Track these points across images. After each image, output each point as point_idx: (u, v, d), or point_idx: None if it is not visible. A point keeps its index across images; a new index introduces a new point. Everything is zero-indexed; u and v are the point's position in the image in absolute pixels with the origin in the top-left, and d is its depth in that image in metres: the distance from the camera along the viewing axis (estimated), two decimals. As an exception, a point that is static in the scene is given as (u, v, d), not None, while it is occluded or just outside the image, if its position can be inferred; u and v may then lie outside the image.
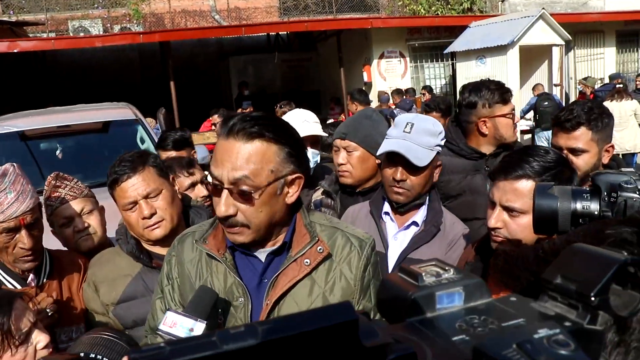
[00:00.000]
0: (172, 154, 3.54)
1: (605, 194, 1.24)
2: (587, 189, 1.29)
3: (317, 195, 2.83)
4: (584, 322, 0.49)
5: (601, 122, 2.41)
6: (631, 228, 0.60)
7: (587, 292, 0.49)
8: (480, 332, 0.47)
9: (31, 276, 2.14)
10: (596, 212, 1.25)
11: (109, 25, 17.85)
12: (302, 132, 2.83)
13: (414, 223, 2.29)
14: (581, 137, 2.41)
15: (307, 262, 1.54)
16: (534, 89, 12.11)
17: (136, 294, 2.07)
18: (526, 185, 1.73)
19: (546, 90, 12.50)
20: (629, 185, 1.23)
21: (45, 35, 16.66)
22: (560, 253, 0.58)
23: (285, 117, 3.37)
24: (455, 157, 2.94)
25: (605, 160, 2.44)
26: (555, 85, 12.94)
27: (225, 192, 1.45)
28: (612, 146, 2.45)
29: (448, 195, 2.86)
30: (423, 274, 0.54)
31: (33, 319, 1.67)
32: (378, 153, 2.32)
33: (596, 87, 13.03)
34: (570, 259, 0.55)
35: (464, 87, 3.13)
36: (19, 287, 2.12)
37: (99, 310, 2.13)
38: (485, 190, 2.90)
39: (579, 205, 1.25)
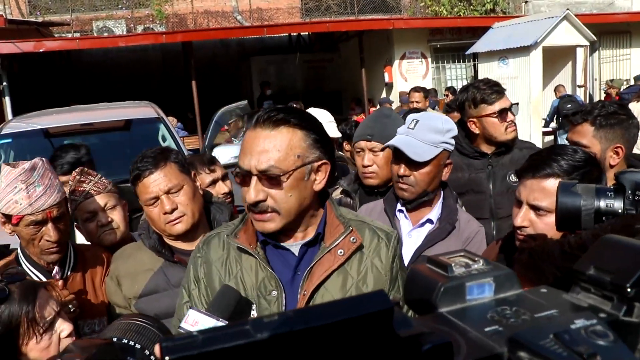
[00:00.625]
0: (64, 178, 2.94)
1: (630, 192, 1.24)
2: (612, 187, 1.29)
3: (336, 194, 2.83)
4: (619, 313, 0.47)
5: (607, 120, 2.37)
6: None
7: (622, 283, 0.47)
8: (513, 322, 0.46)
9: (56, 269, 2.18)
10: (620, 210, 1.24)
11: (132, 25, 18.03)
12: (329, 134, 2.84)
13: (429, 221, 2.28)
14: (583, 132, 2.40)
15: (341, 252, 1.56)
16: (555, 90, 11.97)
17: (158, 288, 2.09)
18: (554, 184, 1.69)
19: (569, 91, 12.34)
20: None
21: (70, 35, 16.88)
22: (592, 245, 0.56)
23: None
24: (461, 156, 3.02)
25: (614, 162, 2.36)
26: (579, 86, 12.76)
27: (254, 179, 1.48)
28: (621, 147, 2.36)
29: (460, 192, 2.89)
30: (452, 264, 0.53)
31: (57, 307, 1.70)
32: (381, 148, 2.33)
33: (622, 89, 12.83)
34: (603, 250, 0.53)
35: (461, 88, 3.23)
36: (43, 279, 2.15)
37: (121, 303, 2.15)
38: (488, 189, 2.96)
39: (602, 204, 1.25)
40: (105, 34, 16.84)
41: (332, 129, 3.32)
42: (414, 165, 2.20)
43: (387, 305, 0.38)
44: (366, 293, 0.39)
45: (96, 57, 18.34)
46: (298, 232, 1.59)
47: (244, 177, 1.50)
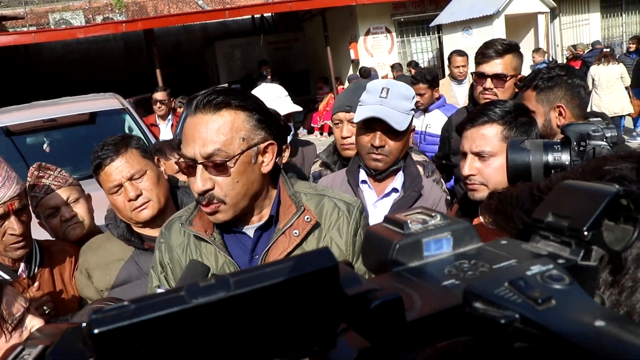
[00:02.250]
0: None
1: (575, 143, 1.31)
2: (558, 140, 1.35)
3: (316, 167, 2.81)
4: (577, 258, 0.46)
5: (546, 83, 2.45)
6: (631, 164, 0.58)
7: (579, 227, 0.46)
8: (471, 275, 0.45)
9: (22, 266, 2.12)
10: (567, 162, 1.31)
11: (91, 16, 17.63)
12: (280, 110, 2.78)
13: (394, 190, 2.24)
14: (528, 97, 2.52)
15: (296, 232, 1.53)
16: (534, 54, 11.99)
17: (130, 277, 2.06)
18: (492, 129, 1.87)
19: (530, 58, 12.45)
20: (596, 134, 1.29)
21: (25, 29, 16.43)
22: (551, 192, 0.55)
23: (255, 93, 3.27)
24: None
25: (560, 122, 2.41)
26: (534, 51, 12.85)
27: (199, 168, 1.43)
28: (562, 107, 2.41)
29: (455, 151, 3.02)
30: (408, 221, 0.51)
31: (25, 304, 1.66)
32: (355, 120, 2.25)
33: (585, 52, 13.00)
34: (561, 196, 0.52)
35: None
36: (9, 279, 2.09)
37: (93, 296, 2.11)
38: None
39: (550, 157, 1.31)
40: (63, 27, 16.43)
41: (286, 104, 3.21)
42: (391, 134, 2.17)
43: (331, 263, 0.36)
44: (309, 251, 0.37)
45: (56, 51, 17.91)
46: (253, 215, 1.56)
47: (189, 167, 1.45)
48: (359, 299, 0.37)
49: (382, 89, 2.19)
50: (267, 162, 1.51)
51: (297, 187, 1.63)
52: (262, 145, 1.48)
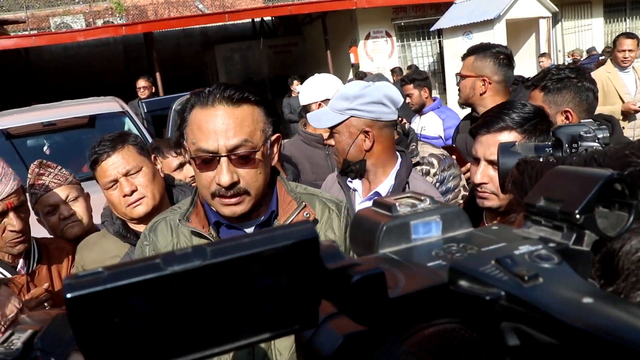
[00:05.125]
0: None
1: (567, 145, 1.29)
2: (550, 143, 1.34)
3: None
4: (569, 242, 0.45)
5: (555, 85, 2.40)
6: None
7: (571, 210, 0.45)
8: (458, 257, 0.44)
9: (21, 262, 2.13)
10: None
11: (91, 20, 17.66)
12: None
13: (376, 194, 2.20)
14: (534, 98, 2.46)
15: None
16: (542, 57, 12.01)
17: None
18: (509, 137, 1.75)
19: (534, 63, 12.46)
20: (588, 135, 1.29)
21: (27, 33, 16.45)
22: (542, 177, 0.54)
23: (315, 81, 3.41)
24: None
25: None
26: (541, 55, 12.90)
27: (225, 160, 1.41)
28: (570, 111, 2.38)
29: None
30: (397, 204, 0.50)
31: (19, 305, 1.65)
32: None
33: (582, 59, 13.02)
34: (553, 180, 0.51)
35: None
36: (8, 275, 2.11)
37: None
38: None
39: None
40: (64, 30, 16.46)
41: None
42: (332, 134, 2.20)
43: (311, 235, 0.35)
44: (289, 224, 0.36)
45: (56, 54, 17.93)
46: (254, 211, 1.55)
47: (206, 161, 1.43)
48: (340, 274, 0.36)
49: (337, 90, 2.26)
50: (275, 154, 1.54)
51: (290, 185, 1.64)
52: (273, 138, 1.52)
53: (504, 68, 3.03)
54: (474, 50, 3.15)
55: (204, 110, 1.43)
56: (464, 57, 3.21)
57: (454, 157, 3.00)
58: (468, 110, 3.34)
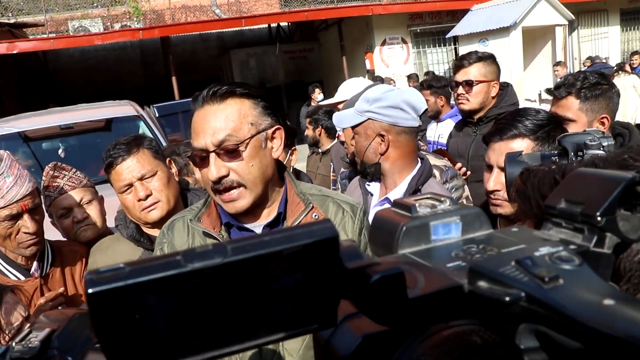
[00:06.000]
0: None
1: (572, 154, 1.29)
2: (555, 152, 1.33)
3: (343, 169, 2.94)
4: (590, 244, 0.44)
5: (592, 92, 2.36)
6: None
7: (592, 212, 0.45)
8: (478, 258, 0.43)
9: (35, 265, 2.12)
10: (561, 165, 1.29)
11: (109, 24, 17.80)
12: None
13: (387, 200, 2.19)
14: (568, 105, 2.40)
15: None
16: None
17: None
18: (522, 144, 1.74)
19: (549, 71, 12.37)
20: (593, 143, 1.28)
21: (45, 36, 16.65)
22: (564, 179, 0.54)
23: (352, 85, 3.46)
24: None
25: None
26: (556, 64, 12.81)
27: (212, 156, 1.45)
28: (607, 117, 2.35)
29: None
30: (417, 205, 0.50)
31: (25, 312, 1.64)
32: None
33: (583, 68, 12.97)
34: (575, 183, 0.51)
35: None
36: (22, 278, 2.10)
37: (102, 297, 2.10)
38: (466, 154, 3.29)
39: None
40: (81, 33, 16.62)
41: None
42: (353, 135, 2.24)
43: (332, 234, 0.35)
44: (310, 222, 0.36)
45: (74, 57, 18.14)
46: (263, 210, 1.57)
47: (201, 159, 1.47)
48: (359, 273, 0.36)
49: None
50: (277, 148, 1.54)
51: (302, 188, 1.65)
52: (270, 131, 1.52)
53: (500, 71, 3.34)
54: (479, 58, 3.31)
55: (197, 112, 1.49)
56: (463, 66, 3.33)
57: (445, 159, 3.06)
58: None
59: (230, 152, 1.44)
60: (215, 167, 1.44)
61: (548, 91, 2.76)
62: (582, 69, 13.48)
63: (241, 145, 1.44)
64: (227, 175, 1.45)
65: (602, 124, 2.35)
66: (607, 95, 2.38)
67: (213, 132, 1.44)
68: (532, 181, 0.58)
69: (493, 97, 3.24)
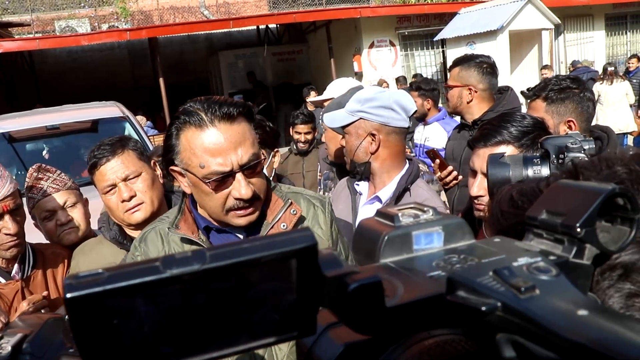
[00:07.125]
0: None
1: (554, 156, 1.31)
2: (538, 154, 1.36)
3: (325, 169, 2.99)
4: (569, 255, 0.45)
5: (558, 95, 2.40)
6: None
7: (572, 223, 0.45)
8: (458, 268, 0.44)
9: (16, 268, 2.10)
10: (547, 176, 1.32)
11: (96, 24, 17.70)
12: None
13: (377, 198, 2.22)
14: (536, 107, 2.46)
15: (284, 225, 1.58)
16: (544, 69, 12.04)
17: None
18: (505, 151, 1.75)
19: (536, 75, 12.47)
20: (574, 146, 1.31)
21: (31, 36, 16.50)
22: (544, 191, 0.54)
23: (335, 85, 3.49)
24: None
25: None
26: (543, 67, 12.92)
27: (240, 176, 1.47)
28: (573, 121, 2.38)
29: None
30: (400, 214, 0.51)
31: (5, 319, 1.62)
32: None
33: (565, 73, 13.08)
34: (556, 194, 0.51)
35: None
36: (3, 280, 2.08)
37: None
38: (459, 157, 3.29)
39: (530, 171, 1.31)
40: (68, 34, 16.50)
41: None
42: (344, 135, 2.27)
43: (310, 242, 0.35)
44: (289, 230, 0.36)
45: (61, 58, 18.00)
46: None
47: (220, 181, 1.46)
48: (338, 281, 0.36)
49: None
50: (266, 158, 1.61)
51: (277, 186, 1.71)
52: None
53: (488, 76, 3.22)
54: (459, 62, 3.34)
55: (202, 132, 1.45)
56: (449, 69, 3.39)
57: (437, 160, 3.08)
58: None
59: (253, 168, 1.48)
60: (246, 187, 1.46)
61: (522, 93, 2.83)
62: (567, 73, 13.63)
63: (263, 162, 1.52)
64: (254, 192, 1.50)
65: (570, 127, 2.38)
66: (575, 100, 2.40)
67: (237, 150, 1.45)
68: (496, 199, 0.60)
69: (468, 102, 3.23)
